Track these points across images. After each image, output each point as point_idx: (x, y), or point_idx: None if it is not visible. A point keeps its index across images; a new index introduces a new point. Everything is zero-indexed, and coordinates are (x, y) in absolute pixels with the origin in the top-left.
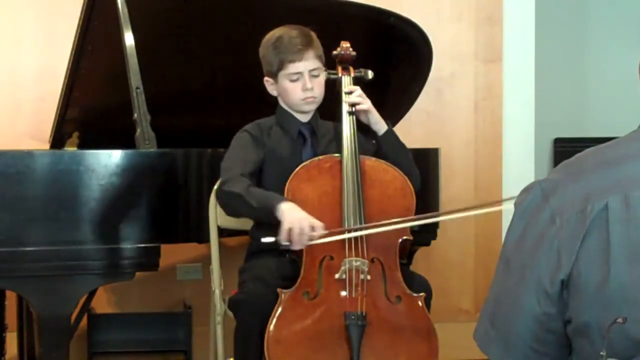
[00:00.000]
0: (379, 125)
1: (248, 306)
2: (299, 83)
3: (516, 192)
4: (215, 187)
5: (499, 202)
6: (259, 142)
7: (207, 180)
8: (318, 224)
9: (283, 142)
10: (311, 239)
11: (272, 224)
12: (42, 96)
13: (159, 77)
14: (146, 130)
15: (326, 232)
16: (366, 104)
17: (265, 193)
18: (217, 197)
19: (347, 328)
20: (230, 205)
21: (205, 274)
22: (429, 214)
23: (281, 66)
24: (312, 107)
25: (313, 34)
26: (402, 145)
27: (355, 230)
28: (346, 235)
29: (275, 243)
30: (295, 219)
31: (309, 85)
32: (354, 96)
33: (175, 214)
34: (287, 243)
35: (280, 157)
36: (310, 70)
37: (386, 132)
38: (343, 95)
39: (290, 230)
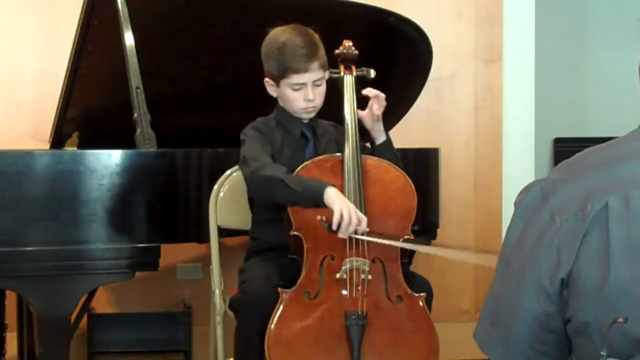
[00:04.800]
0: (380, 133)
1: (248, 306)
2: (301, 93)
3: (516, 192)
4: (247, 173)
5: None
6: (267, 140)
7: (207, 180)
8: (364, 217)
9: (286, 142)
10: (355, 232)
11: (273, 224)
12: (42, 96)
13: (159, 77)
14: (146, 130)
15: (368, 229)
16: (380, 111)
17: (305, 178)
18: (252, 183)
19: (347, 328)
20: (269, 190)
21: (205, 274)
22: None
23: (284, 74)
24: (311, 115)
25: (318, 40)
26: (396, 156)
27: (385, 238)
28: (385, 241)
29: (327, 224)
30: (346, 207)
31: (311, 97)
32: (380, 96)
33: (175, 214)
34: (336, 229)
35: (284, 157)
36: (314, 81)
37: (385, 142)
38: (345, 94)
39: (341, 217)
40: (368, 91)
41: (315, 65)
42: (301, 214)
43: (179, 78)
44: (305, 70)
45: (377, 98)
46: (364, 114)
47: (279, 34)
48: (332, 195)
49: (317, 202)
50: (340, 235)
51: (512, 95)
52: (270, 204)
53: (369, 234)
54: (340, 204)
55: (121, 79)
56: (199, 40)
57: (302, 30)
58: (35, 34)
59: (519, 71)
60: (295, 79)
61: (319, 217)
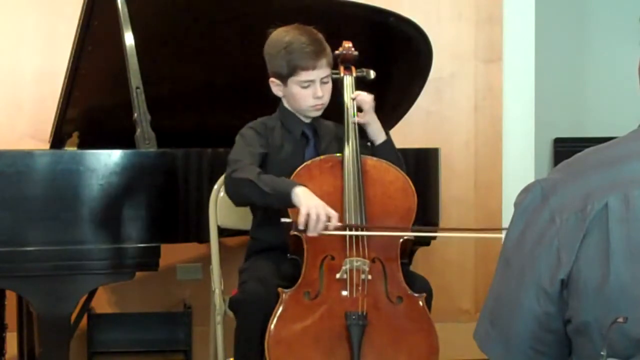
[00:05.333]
0: (379, 134)
1: (248, 306)
2: (309, 90)
3: (516, 192)
4: (224, 176)
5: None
6: (263, 140)
7: (207, 180)
8: (334, 213)
9: (286, 142)
10: (326, 229)
11: (273, 224)
12: (42, 96)
13: (159, 77)
14: (146, 130)
15: (340, 224)
16: (366, 117)
17: (277, 178)
18: (226, 185)
19: (347, 328)
20: (241, 192)
21: (205, 274)
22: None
23: (293, 72)
24: (319, 113)
25: (322, 38)
26: (397, 156)
27: (363, 229)
28: (361, 233)
29: (292, 225)
30: (313, 205)
31: (319, 94)
32: (365, 96)
33: (175, 214)
34: (303, 228)
35: (283, 157)
36: (322, 78)
37: (384, 142)
38: (346, 95)
39: (308, 215)
40: (353, 95)
41: (323, 62)
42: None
43: (179, 78)
44: (314, 67)
45: (361, 99)
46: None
47: (283, 34)
48: (300, 195)
49: (286, 202)
50: (309, 233)
51: (512, 95)
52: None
53: (367, 230)
54: (306, 203)
55: (121, 79)
56: (199, 40)
57: (305, 29)
58: (35, 34)
59: (519, 71)
60: (304, 76)
61: (282, 220)
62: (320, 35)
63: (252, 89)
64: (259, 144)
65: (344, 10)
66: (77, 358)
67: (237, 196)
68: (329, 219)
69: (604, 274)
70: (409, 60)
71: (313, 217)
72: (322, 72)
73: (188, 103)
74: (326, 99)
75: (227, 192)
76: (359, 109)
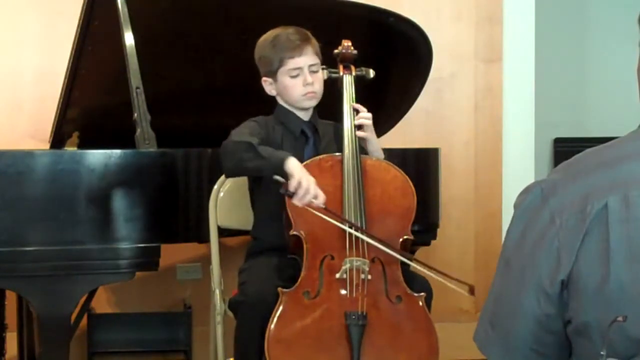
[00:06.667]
0: (376, 154)
1: (248, 307)
2: (299, 79)
3: (516, 192)
4: (222, 145)
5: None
6: (264, 133)
7: (207, 180)
8: (321, 194)
9: (285, 140)
10: (310, 205)
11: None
12: (42, 96)
13: (159, 77)
14: (146, 130)
15: (324, 207)
16: (367, 132)
17: (273, 149)
18: (222, 150)
19: (347, 328)
20: (236, 155)
21: (205, 274)
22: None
23: (281, 63)
24: (313, 102)
25: (309, 33)
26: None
27: (353, 228)
28: (342, 226)
29: (283, 186)
30: (305, 176)
31: (309, 80)
32: (364, 117)
33: (175, 214)
34: (293, 192)
35: None
36: (310, 66)
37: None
38: (345, 95)
39: (299, 184)
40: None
41: (309, 49)
42: (301, 213)
43: (179, 78)
44: (300, 54)
45: (362, 119)
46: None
47: (269, 33)
48: (294, 164)
49: (279, 168)
50: (296, 201)
51: (512, 95)
52: (269, 198)
53: (368, 234)
54: (300, 173)
55: (121, 79)
56: (199, 40)
57: (291, 26)
58: (35, 34)
59: (519, 71)
60: (292, 64)
61: (275, 177)
62: (305, 30)
63: (252, 89)
64: (260, 134)
65: (344, 10)
66: (77, 358)
67: (230, 160)
68: (316, 197)
69: (604, 274)
70: (409, 60)
71: (304, 185)
72: (309, 59)
73: (188, 103)
74: (317, 87)
75: (222, 157)
76: (359, 127)
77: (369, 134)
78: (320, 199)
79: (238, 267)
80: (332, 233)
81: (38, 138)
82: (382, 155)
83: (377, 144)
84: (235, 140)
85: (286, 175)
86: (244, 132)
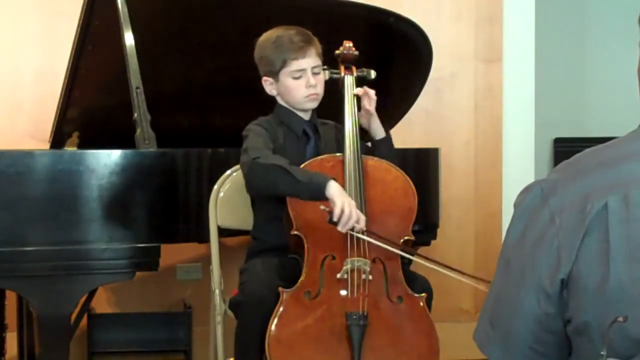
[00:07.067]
0: (378, 131)
1: (249, 307)
2: (302, 80)
3: (516, 191)
4: (246, 161)
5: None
6: (269, 135)
7: (207, 180)
8: (362, 217)
9: (288, 141)
10: (352, 229)
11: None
12: (42, 96)
13: (159, 77)
14: (146, 130)
15: (365, 229)
16: (372, 107)
17: (306, 170)
18: (251, 171)
19: (348, 328)
20: (269, 178)
21: (205, 274)
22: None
23: (284, 64)
24: (315, 104)
25: (310, 33)
26: (395, 154)
27: (398, 244)
28: (384, 245)
29: (329, 214)
30: (347, 202)
31: (312, 82)
32: (369, 92)
33: (175, 214)
34: (336, 220)
35: (285, 156)
36: (313, 67)
37: (384, 138)
38: (346, 95)
39: (342, 211)
40: (357, 91)
41: (312, 51)
42: (302, 213)
43: (179, 78)
44: (304, 56)
45: (366, 95)
46: (358, 114)
47: (270, 33)
48: (336, 188)
49: (319, 193)
50: (340, 228)
51: (512, 95)
52: (270, 199)
53: (368, 234)
54: (343, 198)
55: (121, 79)
56: (199, 40)
57: (291, 26)
58: (35, 34)
59: (519, 71)
60: (295, 65)
61: (322, 207)
62: (307, 31)
63: (252, 89)
64: (268, 139)
65: (344, 10)
66: (77, 358)
67: (261, 182)
68: (358, 220)
69: (604, 274)
70: (409, 60)
71: (347, 212)
72: (312, 61)
73: (188, 103)
74: (319, 89)
75: (249, 177)
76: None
77: (372, 111)
78: (362, 221)
79: (238, 267)
80: (333, 233)
81: (38, 138)
82: (382, 134)
83: (380, 124)
84: (263, 163)
85: (323, 197)
86: (259, 144)
